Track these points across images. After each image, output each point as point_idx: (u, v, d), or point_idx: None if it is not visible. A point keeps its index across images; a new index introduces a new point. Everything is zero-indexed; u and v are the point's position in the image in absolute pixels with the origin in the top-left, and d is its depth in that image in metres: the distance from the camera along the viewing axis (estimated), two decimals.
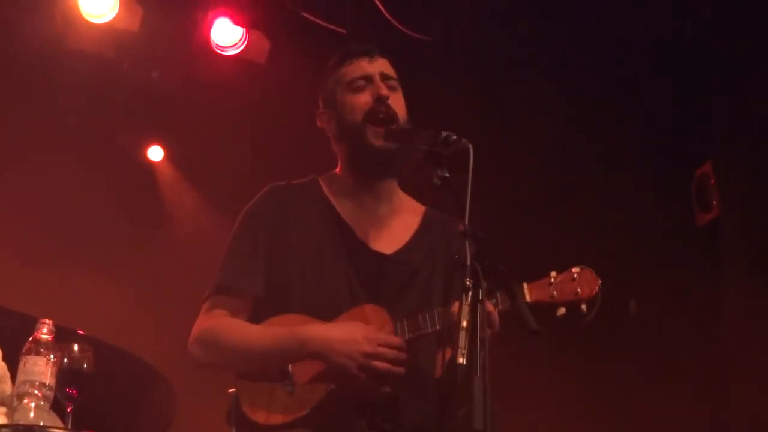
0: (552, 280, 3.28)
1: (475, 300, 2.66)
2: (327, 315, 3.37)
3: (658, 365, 6.11)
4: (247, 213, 3.58)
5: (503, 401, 2.89)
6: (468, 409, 2.56)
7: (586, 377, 6.32)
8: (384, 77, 3.53)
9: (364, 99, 3.49)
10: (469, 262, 2.70)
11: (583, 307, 3.24)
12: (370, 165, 3.50)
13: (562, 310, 3.24)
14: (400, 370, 3.26)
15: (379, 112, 3.45)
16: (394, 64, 3.61)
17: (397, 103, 3.51)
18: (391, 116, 3.44)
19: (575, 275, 3.26)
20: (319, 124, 3.64)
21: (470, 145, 2.95)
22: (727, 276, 6.01)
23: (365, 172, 3.53)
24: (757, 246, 5.85)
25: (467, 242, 2.74)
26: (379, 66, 3.55)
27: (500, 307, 3.18)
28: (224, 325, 3.42)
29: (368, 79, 3.51)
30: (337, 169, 3.63)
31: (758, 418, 5.53)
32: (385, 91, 3.48)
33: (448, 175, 2.98)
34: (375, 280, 3.45)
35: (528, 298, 3.28)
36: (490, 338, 3.15)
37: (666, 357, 6.09)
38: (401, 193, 3.64)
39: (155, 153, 7.19)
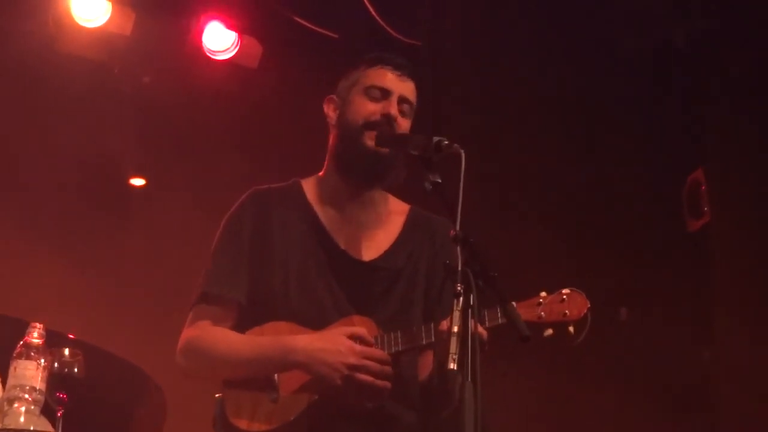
0: (541, 300, 3.26)
1: (467, 305, 2.65)
2: (312, 324, 3.36)
3: (647, 372, 6.11)
4: (229, 219, 3.55)
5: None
6: (459, 415, 2.55)
7: (571, 386, 6.32)
8: (402, 100, 3.48)
9: (372, 108, 3.46)
10: (460, 268, 2.69)
11: (571, 329, 3.23)
12: (360, 167, 3.46)
13: (549, 331, 3.23)
14: (385, 384, 3.24)
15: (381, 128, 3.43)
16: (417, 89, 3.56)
17: (404, 128, 3.47)
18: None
19: (564, 297, 3.24)
20: (325, 107, 3.59)
21: (462, 151, 2.95)
22: (718, 282, 6.02)
23: (354, 175, 3.49)
24: (748, 252, 5.87)
25: (458, 248, 2.73)
26: (404, 87, 3.50)
27: (488, 324, 3.15)
28: (208, 335, 3.41)
29: (386, 93, 3.47)
30: (321, 173, 3.61)
31: (749, 428, 5.54)
32: (395, 111, 3.44)
33: (440, 180, 2.98)
34: (357, 288, 3.43)
35: None
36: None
37: (656, 363, 6.09)
38: (387, 197, 3.61)
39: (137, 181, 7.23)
